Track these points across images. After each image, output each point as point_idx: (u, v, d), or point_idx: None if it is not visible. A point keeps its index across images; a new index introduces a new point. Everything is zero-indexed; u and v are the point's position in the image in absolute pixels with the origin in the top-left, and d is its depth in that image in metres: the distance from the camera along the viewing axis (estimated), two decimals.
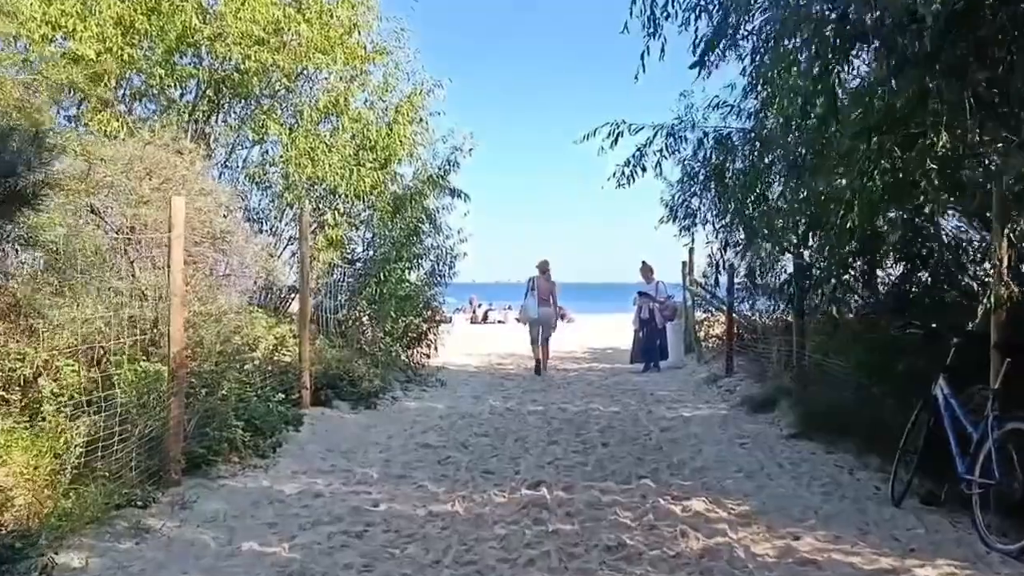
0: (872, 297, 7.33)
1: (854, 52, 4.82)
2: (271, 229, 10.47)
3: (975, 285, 6.11)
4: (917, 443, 5.06)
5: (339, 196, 10.37)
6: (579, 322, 24.90)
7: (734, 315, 11.44)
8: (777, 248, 8.52)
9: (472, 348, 15.64)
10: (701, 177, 9.29)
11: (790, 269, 8.57)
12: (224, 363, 6.32)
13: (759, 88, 7.37)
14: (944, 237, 6.40)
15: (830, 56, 4.55)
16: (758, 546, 4.26)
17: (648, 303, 13.14)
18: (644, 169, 8.50)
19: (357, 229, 11.27)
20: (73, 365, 5.00)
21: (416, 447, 6.87)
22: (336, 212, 10.42)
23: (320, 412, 7.85)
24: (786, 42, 5.36)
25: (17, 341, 5.03)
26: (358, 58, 10.39)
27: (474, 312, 28.94)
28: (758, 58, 6.31)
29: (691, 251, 13.04)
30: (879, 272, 7.18)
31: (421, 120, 11.11)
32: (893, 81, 4.39)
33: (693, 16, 5.99)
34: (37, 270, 5.65)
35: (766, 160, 7.95)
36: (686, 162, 9.22)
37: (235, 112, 10.42)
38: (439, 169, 11.58)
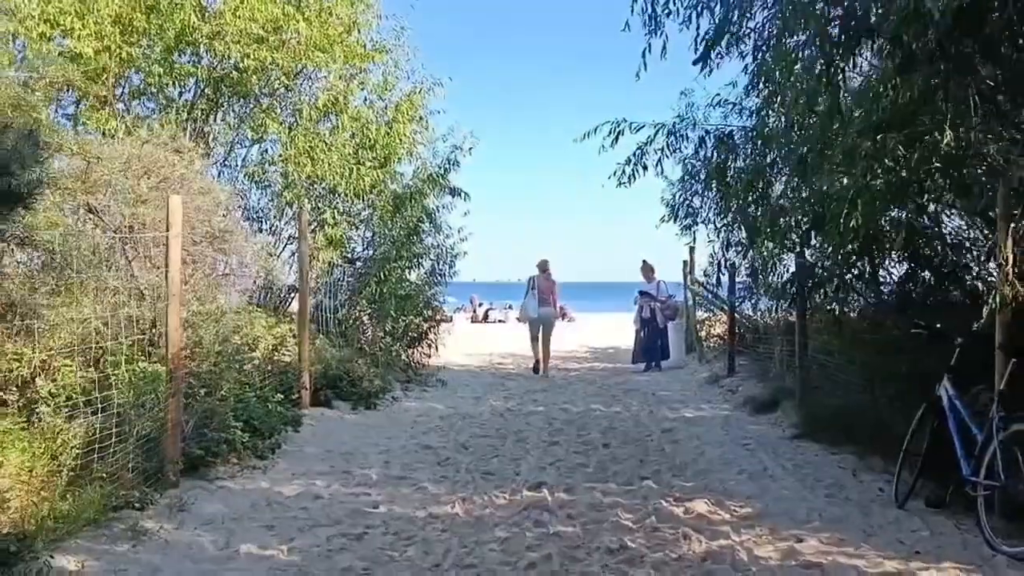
0: (875, 297, 7.28)
1: (859, 49, 4.77)
2: (270, 228, 10.46)
3: (980, 285, 6.06)
4: (921, 445, 5.02)
5: (339, 195, 10.35)
6: (580, 321, 24.91)
7: (736, 315, 11.40)
8: (779, 247, 8.46)
9: (473, 348, 15.59)
10: (702, 176, 9.22)
11: (792, 268, 8.52)
12: (223, 363, 6.28)
13: (761, 86, 7.30)
14: (948, 237, 6.35)
15: (835, 53, 4.51)
16: (761, 549, 4.23)
17: (649, 302, 13.09)
18: (645, 168, 8.43)
19: (357, 228, 11.23)
20: (71, 365, 4.97)
21: (416, 448, 6.84)
22: (336, 211, 10.39)
23: (320, 412, 7.82)
24: (789, 39, 5.32)
25: (14, 341, 4.99)
26: (357, 57, 10.38)
27: (475, 311, 28.89)
28: (760, 55, 6.26)
29: (692, 250, 13.03)
30: (882, 272, 7.14)
31: (421, 119, 11.08)
32: (899, 78, 4.36)
33: (695, 13, 5.93)
34: (34, 270, 5.61)
35: (768, 159, 7.89)
36: (687, 161, 9.15)
37: (234, 111, 10.40)
38: (439, 168, 11.53)
